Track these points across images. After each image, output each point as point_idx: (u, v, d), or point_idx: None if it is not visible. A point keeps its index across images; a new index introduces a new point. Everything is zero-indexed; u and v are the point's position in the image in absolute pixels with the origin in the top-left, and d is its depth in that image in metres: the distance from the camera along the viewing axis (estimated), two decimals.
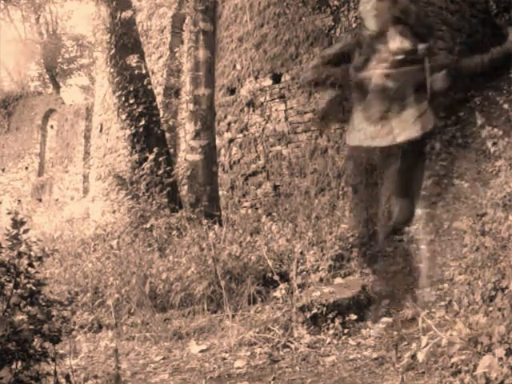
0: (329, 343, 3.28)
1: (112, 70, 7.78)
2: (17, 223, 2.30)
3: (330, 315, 3.46)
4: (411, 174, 3.08)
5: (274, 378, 2.88)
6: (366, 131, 3.18)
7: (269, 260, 4.27)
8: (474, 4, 7.42)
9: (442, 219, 4.99)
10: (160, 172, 7.06)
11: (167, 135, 8.80)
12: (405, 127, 3.06)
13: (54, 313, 2.38)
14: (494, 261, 3.24)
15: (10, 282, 2.27)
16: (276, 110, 7.81)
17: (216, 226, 5.55)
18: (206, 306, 4.24)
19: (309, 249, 4.75)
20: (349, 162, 3.44)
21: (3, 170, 16.91)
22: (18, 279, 2.27)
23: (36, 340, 2.29)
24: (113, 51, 7.71)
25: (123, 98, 7.65)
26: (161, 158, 7.19)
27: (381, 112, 3.10)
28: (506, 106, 5.35)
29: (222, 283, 4.09)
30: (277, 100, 7.81)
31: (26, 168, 16.15)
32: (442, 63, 3.10)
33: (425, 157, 3.23)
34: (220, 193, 7.19)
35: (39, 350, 2.29)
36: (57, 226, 10.63)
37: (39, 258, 2.35)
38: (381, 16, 3.05)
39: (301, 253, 4.55)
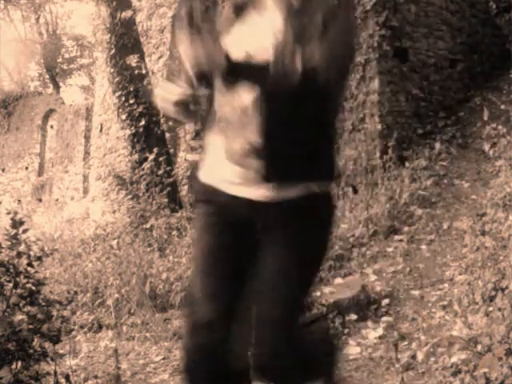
0: None
1: (112, 70, 7.78)
2: (16, 223, 2.30)
3: (330, 315, 3.46)
4: (306, 266, 1.57)
5: None
6: (227, 170, 1.60)
7: None
8: (474, 4, 7.41)
9: (442, 219, 4.99)
10: (160, 172, 7.06)
11: (167, 135, 8.79)
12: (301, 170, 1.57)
13: (54, 313, 2.38)
14: (494, 261, 3.24)
15: (9, 281, 2.27)
16: None
17: None
18: None
19: None
20: (199, 215, 1.72)
21: (3, 170, 16.91)
22: (17, 279, 2.27)
23: (36, 340, 2.29)
24: (113, 51, 7.72)
25: (123, 98, 7.65)
26: (161, 158, 7.19)
27: (256, 137, 1.53)
28: (505, 105, 5.35)
29: None
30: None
31: (26, 168, 16.15)
32: None
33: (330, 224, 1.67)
34: None
35: (39, 349, 2.29)
36: (57, 226, 10.63)
37: (39, 258, 2.35)
38: None
39: None
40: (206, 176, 1.72)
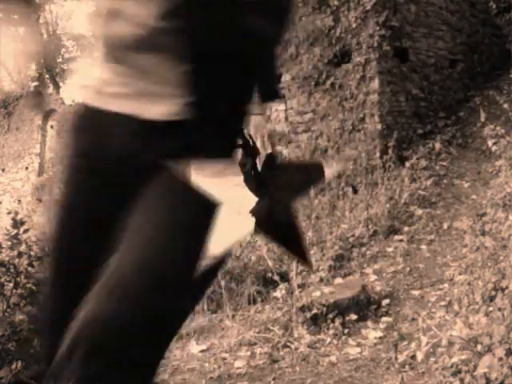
0: (329, 343, 3.28)
1: None
2: (17, 223, 2.30)
3: (330, 315, 3.46)
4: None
5: (274, 378, 2.88)
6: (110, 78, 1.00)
7: (269, 260, 4.27)
8: (473, 4, 7.42)
9: (442, 219, 4.99)
10: None
11: None
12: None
13: None
14: (494, 261, 3.25)
15: (10, 281, 2.27)
16: (276, 109, 7.82)
17: None
18: (206, 306, 4.24)
19: (309, 249, 4.75)
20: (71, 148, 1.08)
21: (3, 170, 16.92)
22: (17, 279, 2.27)
23: (36, 340, 2.29)
24: None
25: None
26: None
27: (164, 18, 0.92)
28: (505, 105, 5.36)
29: (222, 283, 4.09)
30: (277, 100, 7.81)
31: (26, 168, 16.15)
32: None
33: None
34: None
35: (39, 349, 2.29)
36: None
37: (39, 258, 2.35)
38: None
39: None
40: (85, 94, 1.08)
